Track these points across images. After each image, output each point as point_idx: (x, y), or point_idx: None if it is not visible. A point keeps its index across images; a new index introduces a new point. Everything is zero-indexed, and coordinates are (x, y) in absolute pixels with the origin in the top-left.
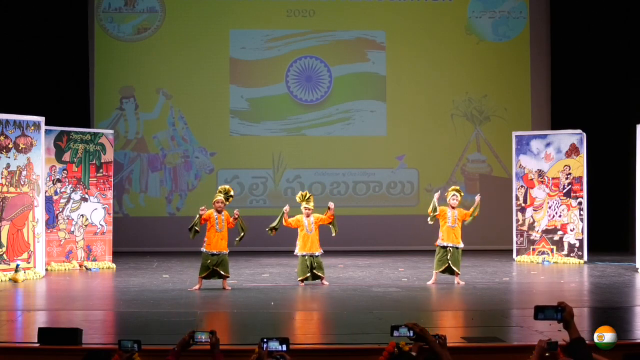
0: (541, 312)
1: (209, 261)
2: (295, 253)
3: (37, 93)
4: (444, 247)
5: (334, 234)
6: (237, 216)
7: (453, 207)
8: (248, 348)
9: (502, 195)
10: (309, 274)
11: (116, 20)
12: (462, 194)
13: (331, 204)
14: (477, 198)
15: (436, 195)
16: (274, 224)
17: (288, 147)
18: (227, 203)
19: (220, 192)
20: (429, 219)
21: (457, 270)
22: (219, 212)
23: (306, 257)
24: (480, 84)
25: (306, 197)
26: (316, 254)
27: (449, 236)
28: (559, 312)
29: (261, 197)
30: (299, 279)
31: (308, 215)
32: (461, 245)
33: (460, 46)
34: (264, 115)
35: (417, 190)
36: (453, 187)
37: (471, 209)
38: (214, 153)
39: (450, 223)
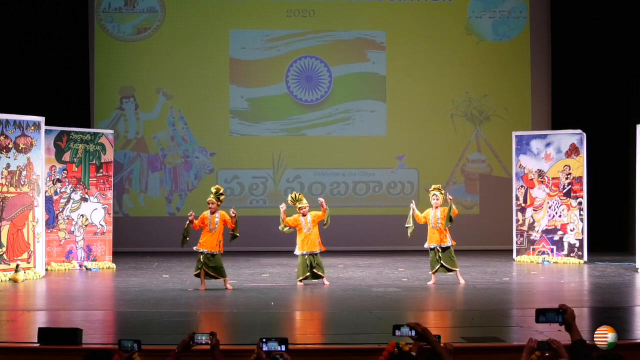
0: (542, 314)
1: (199, 259)
2: (295, 253)
3: (37, 93)
4: (432, 249)
5: (325, 227)
6: (233, 215)
7: (436, 207)
8: (248, 348)
9: (502, 195)
10: (308, 273)
11: (116, 20)
12: (444, 192)
13: (321, 200)
14: (449, 197)
15: (412, 206)
16: (280, 226)
17: (288, 147)
18: (219, 203)
19: (211, 192)
20: (406, 226)
21: (452, 268)
22: (213, 212)
23: (306, 256)
24: (480, 84)
25: (297, 198)
26: (315, 252)
27: (434, 237)
28: (561, 315)
29: (261, 197)
30: (298, 278)
31: (305, 215)
32: (448, 243)
33: (460, 46)
34: (264, 115)
35: (417, 190)
36: (434, 186)
37: (446, 211)
38: (214, 153)
39: (433, 224)
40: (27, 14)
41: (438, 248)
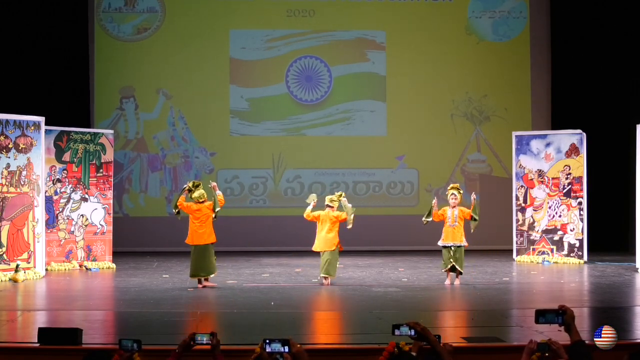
0: (542, 315)
1: (192, 255)
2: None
3: (37, 93)
4: (446, 247)
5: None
6: (213, 187)
7: (453, 207)
8: (248, 348)
9: (502, 195)
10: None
11: (116, 20)
12: (462, 191)
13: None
14: (473, 197)
15: (434, 202)
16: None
17: (288, 147)
18: (193, 195)
19: (191, 188)
20: (423, 218)
21: (459, 269)
22: (196, 203)
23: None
24: (480, 84)
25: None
26: None
27: (449, 236)
28: (560, 316)
29: (261, 197)
30: (334, 276)
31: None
32: (464, 243)
33: (460, 46)
34: (264, 115)
35: (417, 190)
36: (452, 185)
37: (470, 211)
38: (214, 153)
39: (450, 222)
40: (27, 14)
41: (453, 247)
